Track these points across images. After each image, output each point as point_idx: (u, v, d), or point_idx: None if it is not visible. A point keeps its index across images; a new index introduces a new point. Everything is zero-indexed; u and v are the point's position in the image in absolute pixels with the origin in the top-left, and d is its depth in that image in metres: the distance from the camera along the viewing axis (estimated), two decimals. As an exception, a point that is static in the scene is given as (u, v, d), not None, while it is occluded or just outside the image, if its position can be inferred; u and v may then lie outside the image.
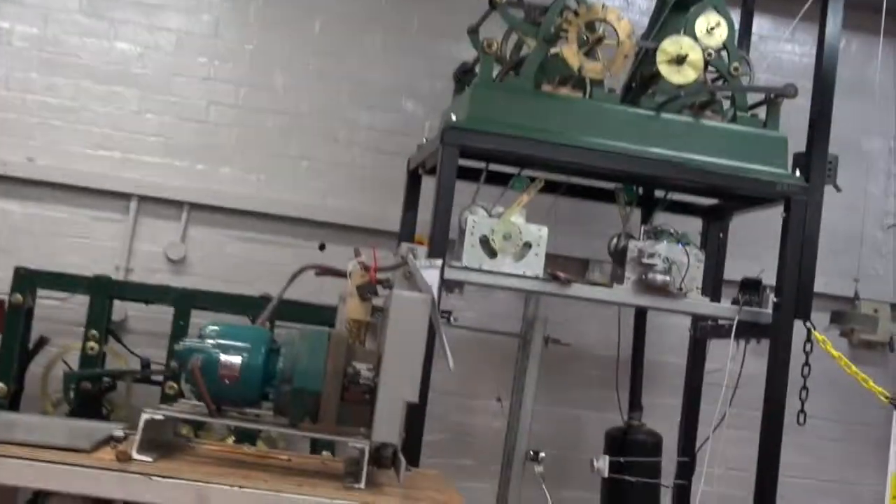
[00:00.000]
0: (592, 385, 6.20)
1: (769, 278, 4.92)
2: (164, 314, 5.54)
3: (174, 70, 6.25)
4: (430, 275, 3.26)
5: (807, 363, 4.77)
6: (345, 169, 6.32)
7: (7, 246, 5.94)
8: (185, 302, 5.30)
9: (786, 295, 4.77)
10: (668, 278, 4.73)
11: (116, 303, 5.66)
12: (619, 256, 4.97)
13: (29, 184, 6.01)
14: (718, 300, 5.30)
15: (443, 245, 4.59)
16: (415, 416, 4.45)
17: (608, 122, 4.86)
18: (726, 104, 5.13)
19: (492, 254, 4.72)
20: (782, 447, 4.74)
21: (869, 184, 6.73)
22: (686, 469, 5.56)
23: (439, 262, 3.43)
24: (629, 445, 5.42)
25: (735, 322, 4.83)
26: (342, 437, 3.11)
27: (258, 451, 3.72)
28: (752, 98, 5.12)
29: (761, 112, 5.08)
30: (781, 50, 6.71)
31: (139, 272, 6.08)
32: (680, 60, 4.83)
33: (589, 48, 4.82)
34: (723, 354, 4.96)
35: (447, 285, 4.69)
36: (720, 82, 5.07)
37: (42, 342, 5.57)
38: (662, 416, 5.80)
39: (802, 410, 4.75)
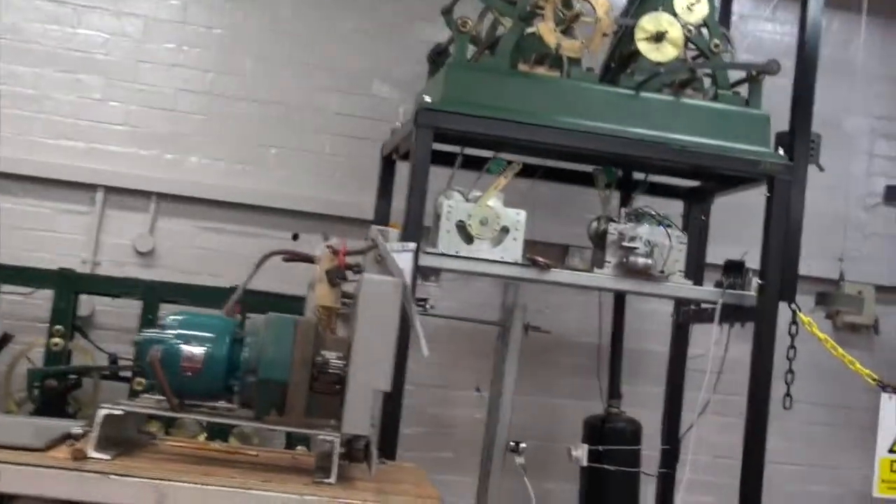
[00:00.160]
0: (574, 373, 6.08)
1: (752, 261, 4.81)
2: (132, 308, 5.41)
3: (140, 56, 6.07)
4: (403, 258, 3.12)
5: (792, 346, 4.66)
6: (317, 156, 6.17)
7: (-32, 240, 5.75)
8: (153, 295, 5.16)
9: (770, 276, 4.66)
10: (649, 261, 4.61)
11: (84, 297, 5.52)
12: (599, 240, 4.85)
13: (-10, 176, 5.82)
14: (701, 284, 5.17)
15: (418, 231, 4.46)
16: (391, 407, 4.35)
17: (586, 101, 4.73)
18: (707, 83, 5.01)
19: (468, 239, 4.60)
20: (767, 433, 4.62)
21: (851, 164, 6.65)
22: (670, 457, 5.45)
23: (412, 245, 3.28)
24: (608, 434, 5.31)
25: (719, 305, 4.71)
26: (310, 430, 2.96)
27: (226, 446, 3.57)
28: (734, 77, 5.00)
29: (743, 91, 4.96)
30: (762, 29, 6.61)
31: (107, 265, 5.90)
32: (659, 38, 4.71)
33: (566, 26, 4.69)
34: (706, 340, 4.85)
35: (423, 273, 4.56)
36: (701, 60, 4.94)
37: (5, 339, 5.40)
38: (645, 404, 5.68)
39: (788, 394, 4.65)
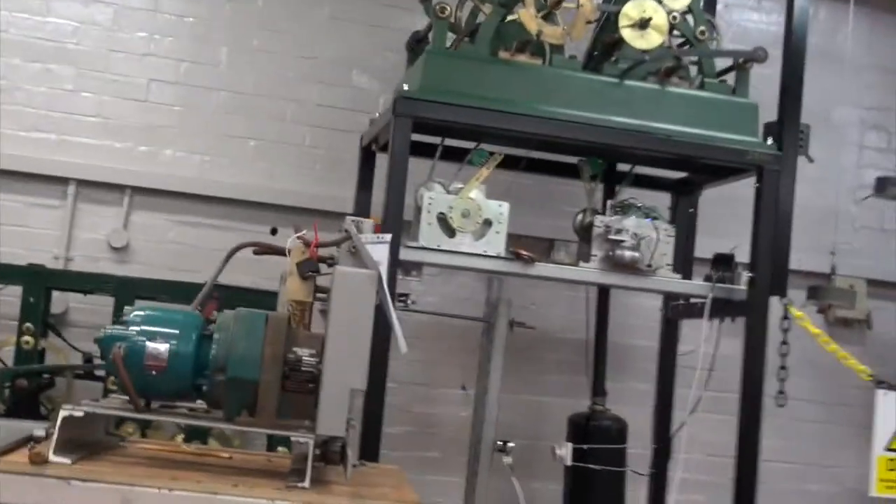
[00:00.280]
0: (561, 370, 5.95)
1: (742, 256, 4.70)
2: (107, 305, 5.23)
3: (112, 46, 5.90)
4: (379, 250, 2.97)
5: (784, 341, 4.53)
6: (295, 148, 6.02)
7: (-65, 236, 5.58)
8: (126, 291, 4.97)
9: (760, 269, 4.55)
10: (636, 255, 4.49)
11: (57, 294, 5.35)
12: (584, 233, 4.73)
13: (-42, 170, 5.64)
14: (690, 278, 5.04)
15: (397, 223, 4.35)
16: (373, 406, 4.21)
17: (569, 90, 4.62)
18: (693, 71, 4.89)
19: (450, 232, 4.48)
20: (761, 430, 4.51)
21: (841, 155, 6.53)
22: (661, 456, 5.33)
23: (387, 236, 3.14)
24: (592, 432, 5.20)
25: (709, 300, 4.59)
26: (282, 432, 2.81)
27: (198, 449, 3.41)
28: (721, 67, 4.90)
29: (730, 80, 4.86)
30: (748, 19, 6.50)
31: (80, 261, 5.74)
32: (643, 24, 4.60)
33: (547, 11, 4.56)
34: (696, 336, 4.72)
35: (404, 267, 4.45)
36: (686, 48, 4.82)
37: (-26, 338, 5.23)
38: (634, 401, 5.57)
39: (782, 392, 4.51)
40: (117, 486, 2.58)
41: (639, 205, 4.69)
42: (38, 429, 2.92)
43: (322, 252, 3.10)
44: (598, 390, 5.40)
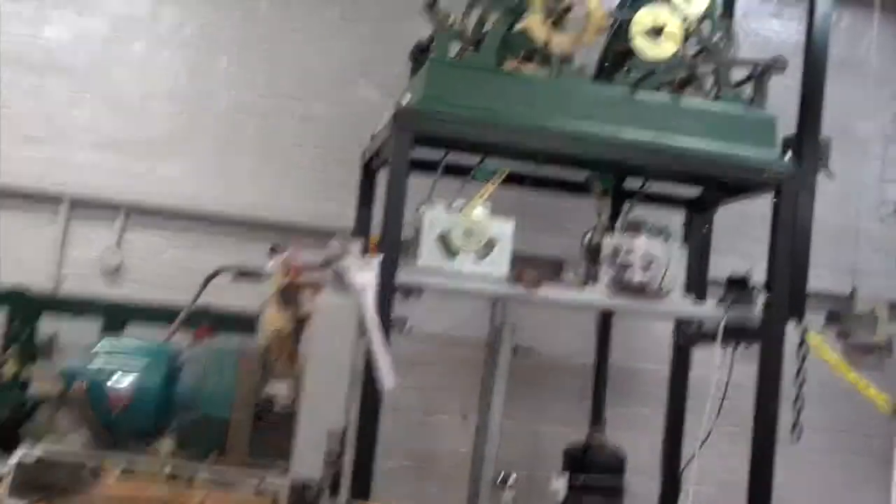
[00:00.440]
0: (568, 397, 5.70)
1: (760, 276, 4.45)
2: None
3: (108, 58, 5.73)
4: (365, 276, 2.75)
5: (801, 369, 4.27)
6: (298, 164, 5.83)
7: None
8: (115, 315, 4.78)
9: (777, 292, 4.31)
10: (646, 277, 4.25)
11: (46, 317, 5.13)
12: (592, 254, 4.50)
13: (-53, 187, 5.47)
14: (703, 300, 4.79)
15: (396, 243, 4.14)
16: (365, 440, 3.99)
17: (578, 102, 4.41)
18: (709, 82, 4.65)
19: (452, 253, 4.24)
20: (775, 462, 4.26)
21: (864, 170, 6.25)
22: (671, 488, 5.07)
23: (377, 259, 2.92)
24: (589, 463, 4.96)
25: (721, 324, 4.35)
26: (253, 475, 2.60)
27: (169, 492, 3.19)
28: (738, 76, 4.65)
29: (748, 91, 4.61)
30: (768, 27, 6.28)
31: (72, 281, 5.57)
32: (656, 32, 4.40)
33: (556, 18, 4.35)
34: (709, 361, 4.46)
35: (402, 290, 4.22)
36: (702, 56, 4.58)
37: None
38: (641, 428, 5.32)
39: (797, 424, 4.24)
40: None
41: (650, 224, 4.44)
42: (2, 466, 2.74)
43: (308, 277, 2.89)
44: (597, 419, 5.18)
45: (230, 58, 5.83)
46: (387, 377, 2.65)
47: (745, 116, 4.51)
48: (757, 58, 4.64)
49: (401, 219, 4.16)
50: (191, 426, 2.61)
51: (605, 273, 4.33)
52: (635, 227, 4.44)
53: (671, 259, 4.32)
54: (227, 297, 3.78)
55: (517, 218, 4.34)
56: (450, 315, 5.37)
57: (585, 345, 5.28)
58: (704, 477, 4.47)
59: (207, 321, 4.13)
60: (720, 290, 4.64)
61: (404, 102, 4.30)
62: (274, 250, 3.72)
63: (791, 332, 4.29)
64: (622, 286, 4.29)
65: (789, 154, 4.48)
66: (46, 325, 5.16)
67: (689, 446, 4.91)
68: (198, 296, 2.98)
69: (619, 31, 4.59)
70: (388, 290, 3.97)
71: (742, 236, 5.23)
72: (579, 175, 4.82)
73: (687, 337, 5.10)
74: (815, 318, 4.62)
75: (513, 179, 4.59)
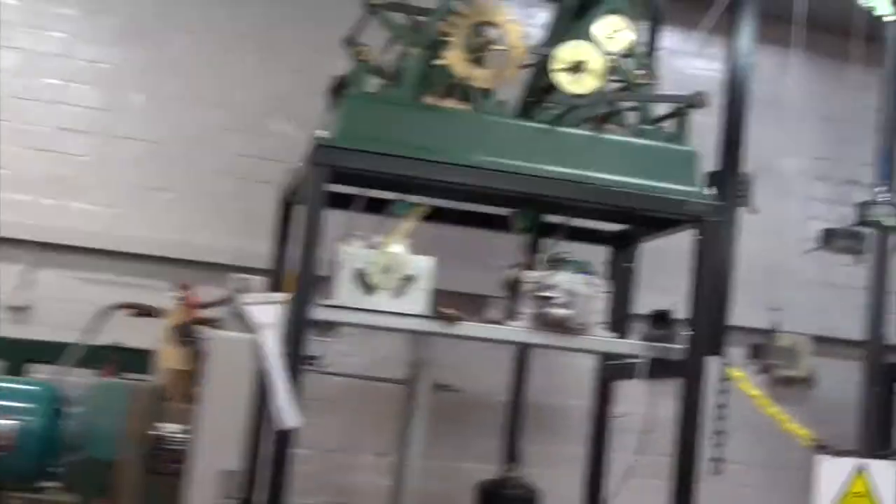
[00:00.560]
0: (489, 433, 5.58)
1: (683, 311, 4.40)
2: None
3: (19, 93, 5.59)
4: (265, 312, 2.64)
5: (722, 404, 4.22)
6: (212, 201, 5.73)
7: None
8: (18, 354, 4.58)
9: (698, 327, 4.26)
10: (567, 312, 4.18)
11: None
12: (514, 290, 4.41)
13: None
14: (626, 336, 4.73)
15: (311, 280, 4.01)
16: (278, 478, 3.84)
17: (498, 137, 4.35)
18: (631, 117, 4.62)
19: (370, 289, 4.13)
20: (698, 497, 4.18)
21: (787, 207, 6.28)
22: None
23: (278, 296, 2.80)
24: (502, 499, 4.92)
25: (642, 360, 4.28)
26: (141, 521, 2.46)
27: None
28: (661, 113, 4.63)
29: (670, 127, 4.59)
30: (692, 66, 6.27)
31: (-22, 320, 5.34)
32: (577, 68, 4.34)
33: (476, 54, 4.29)
34: (632, 396, 4.39)
35: (319, 327, 4.09)
36: (624, 93, 4.56)
37: None
38: (563, 465, 5.22)
39: (716, 458, 4.18)
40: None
41: (571, 260, 4.38)
42: None
43: (207, 314, 2.77)
44: (512, 455, 5.12)
45: (144, 94, 5.72)
46: (287, 415, 2.53)
47: (666, 151, 4.47)
48: (677, 93, 4.63)
49: (316, 255, 4.05)
50: (78, 469, 2.46)
51: (527, 308, 4.25)
52: (557, 263, 4.38)
53: (592, 294, 4.25)
54: (138, 335, 3.62)
55: (439, 254, 4.25)
56: (369, 352, 5.25)
57: (507, 381, 5.21)
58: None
59: (116, 359, 3.97)
60: (644, 326, 4.58)
61: (321, 137, 4.20)
62: (185, 287, 3.61)
63: (713, 366, 4.23)
64: (544, 321, 4.21)
65: (713, 189, 4.45)
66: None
67: (611, 482, 4.81)
68: (91, 333, 2.84)
69: (542, 66, 4.54)
70: (302, 327, 3.85)
71: (665, 272, 5.17)
72: (501, 210, 4.75)
73: (609, 372, 5.03)
74: (737, 352, 4.58)
75: (434, 215, 4.50)
